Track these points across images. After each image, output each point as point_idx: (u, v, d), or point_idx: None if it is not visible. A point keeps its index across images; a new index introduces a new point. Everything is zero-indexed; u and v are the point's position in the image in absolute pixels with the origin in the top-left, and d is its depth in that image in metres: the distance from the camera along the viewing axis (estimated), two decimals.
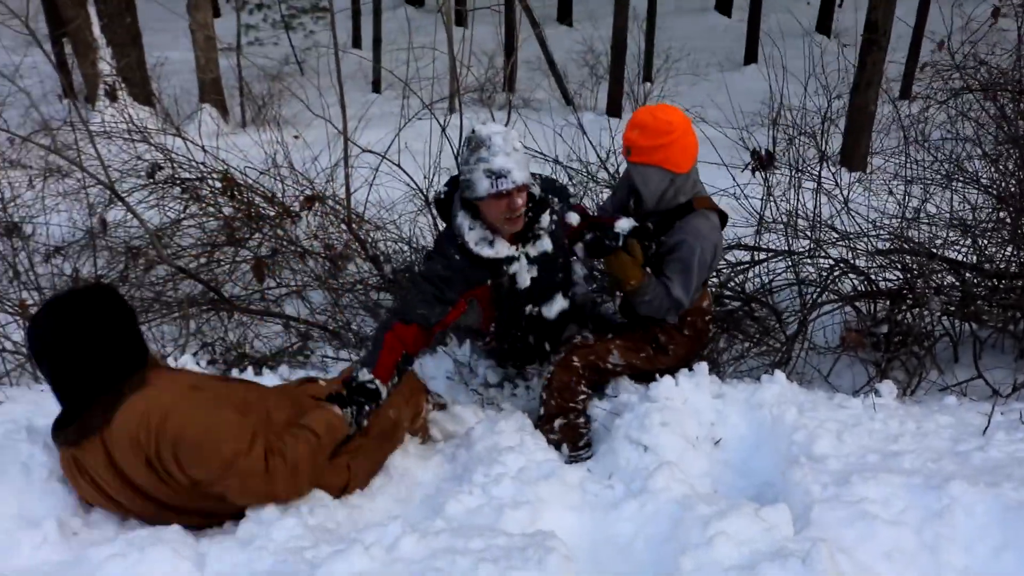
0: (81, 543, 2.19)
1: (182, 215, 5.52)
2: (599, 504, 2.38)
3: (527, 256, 3.10)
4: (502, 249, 3.00)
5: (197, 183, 5.54)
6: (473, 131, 2.88)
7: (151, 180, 5.62)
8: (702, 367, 3.25)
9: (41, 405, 3.04)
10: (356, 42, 18.50)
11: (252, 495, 2.28)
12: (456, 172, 3.03)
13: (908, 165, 5.06)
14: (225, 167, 5.42)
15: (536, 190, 3.09)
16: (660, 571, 1.98)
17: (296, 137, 6.60)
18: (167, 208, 5.59)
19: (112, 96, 9.82)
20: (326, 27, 16.23)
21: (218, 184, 5.44)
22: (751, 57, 16.96)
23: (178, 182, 5.58)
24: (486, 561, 1.89)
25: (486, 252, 2.98)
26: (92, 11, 10.03)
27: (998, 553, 1.98)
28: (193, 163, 5.53)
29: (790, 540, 1.94)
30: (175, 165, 5.59)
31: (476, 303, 3.12)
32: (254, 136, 6.20)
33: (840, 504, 2.15)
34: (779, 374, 3.21)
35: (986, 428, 2.85)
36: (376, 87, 15.17)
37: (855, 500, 2.16)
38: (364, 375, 2.80)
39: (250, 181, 5.41)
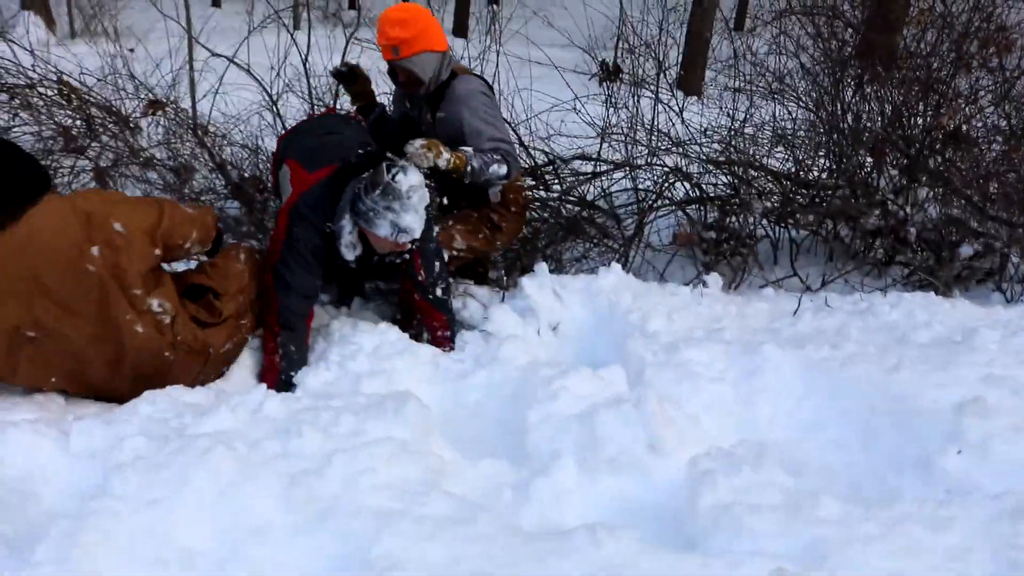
0: None
1: (11, 124, 5.24)
2: (451, 375, 2.57)
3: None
4: (358, 253, 3.03)
5: (28, 90, 5.26)
6: (394, 177, 2.84)
7: None
8: (542, 267, 3.48)
9: None
10: None
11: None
12: (367, 147, 3.07)
13: (736, 79, 5.43)
14: (59, 73, 5.17)
15: None
16: (509, 426, 2.18)
17: (131, 50, 6.32)
18: None
19: None
20: None
21: (50, 92, 5.20)
22: None
23: (5, 88, 5.28)
24: (346, 413, 2.03)
25: (348, 256, 3.00)
26: None
27: (800, 402, 2.29)
28: (21, 69, 5.25)
29: (625, 393, 2.18)
30: (1, 71, 5.28)
31: None
32: (86, 46, 5.91)
33: (669, 367, 2.41)
34: (615, 266, 3.47)
35: (796, 310, 3.21)
36: (216, 1, 14.50)
37: (682, 362, 2.42)
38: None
39: (85, 89, 5.19)
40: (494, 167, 3.22)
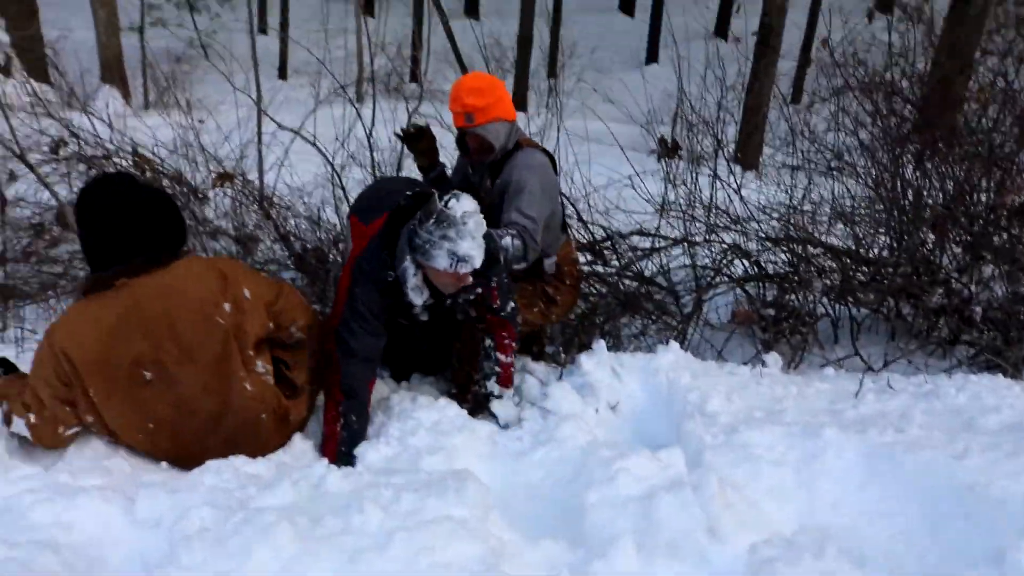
0: (8, 486, 2.22)
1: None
2: (509, 452, 2.57)
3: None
4: (426, 297, 2.98)
5: (104, 160, 5.49)
6: (446, 204, 2.78)
7: (55, 156, 5.55)
8: (600, 344, 3.49)
9: None
10: (262, 28, 18.24)
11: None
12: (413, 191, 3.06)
13: (794, 156, 5.45)
14: (134, 145, 5.39)
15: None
16: (568, 506, 2.18)
17: (201, 121, 6.57)
18: (73, 186, 5.52)
19: (6, 71, 9.49)
20: (231, 10, 15.99)
21: (125, 162, 5.41)
22: (652, 57, 17.45)
23: (84, 159, 5.52)
24: (407, 491, 2.05)
25: (416, 300, 2.94)
26: None
27: (863, 487, 2.24)
28: (99, 140, 5.48)
29: (684, 476, 2.16)
30: (80, 142, 5.52)
31: None
32: (160, 118, 6.17)
33: (729, 448, 2.38)
34: (674, 344, 3.46)
35: (858, 391, 3.15)
36: (282, 73, 15.04)
37: (742, 445, 2.39)
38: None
39: (159, 160, 5.40)
40: (507, 239, 3.20)
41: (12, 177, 5.29)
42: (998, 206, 4.19)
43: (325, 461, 2.44)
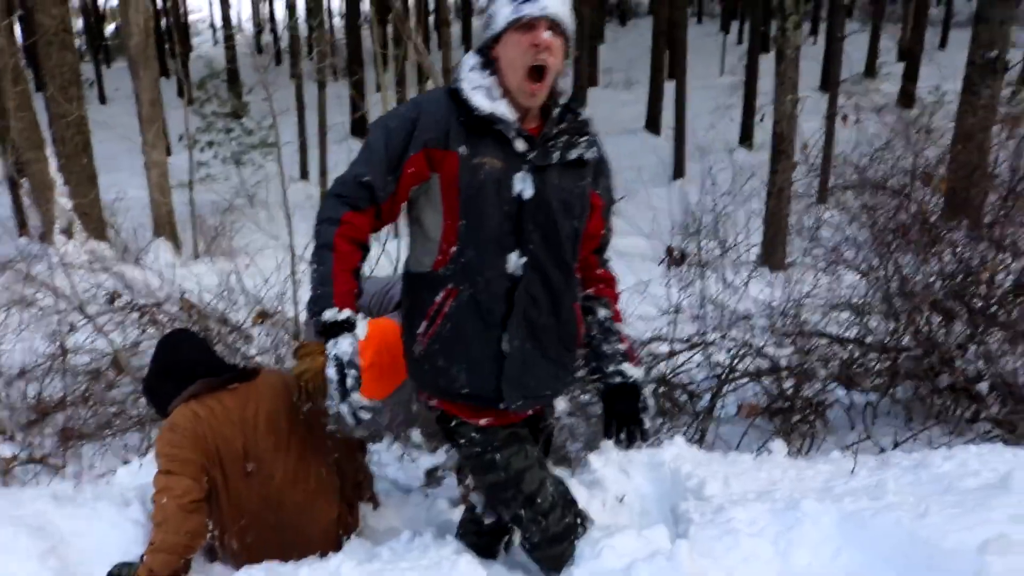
0: None
1: (140, 338, 5.91)
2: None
3: (531, 164, 2.38)
4: (502, 108, 2.34)
5: (155, 308, 5.95)
6: None
7: (111, 306, 6.03)
8: (607, 443, 3.69)
9: None
10: (304, 174, 19.25)
11: None
12: None
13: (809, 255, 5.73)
14: (181, 292, 5.87)
15: (583, 112, 2.52)
16: None
17: (247, 266, 7.08)
18: (127, 333, 5.98)
19: (68, 233, 10.24)
20: (275, 161, 16.96)
21: (174, 308, 5.87)
22: (679, 172, 17.98)
23: (136, 308, 5.99)
24: (412, 572, 2.28)
25: (478, 100, 2.32)
26: (50, 151, 10.57)
27: (838, 552, 2.41)
28: (150, 289, 5.97)
29: (664, 549, 2.35)
30: (133, 292, 6.02)
31: (435, 194, 2.39)
32: (208, 265, 6.69)
33: (713, 525, 2.57)
34: (678, 438, 3.66)
35: (853, 468, 3.31)
36: None
37: (725, 520, 2.57)
38: (329, 315, 2.31)
39: (204, 304, 5.86)
40: None
41: (72, 328, 5.77)
42: (976, 284, 4.36)
43: (341, 555, 2.66)
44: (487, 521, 2.68)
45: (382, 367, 2.61)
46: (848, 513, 2.50)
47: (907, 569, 2.22)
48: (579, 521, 2.58)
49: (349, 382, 2.27)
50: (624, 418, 2.68)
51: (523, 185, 2.35)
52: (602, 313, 2.70)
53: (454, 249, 2.37)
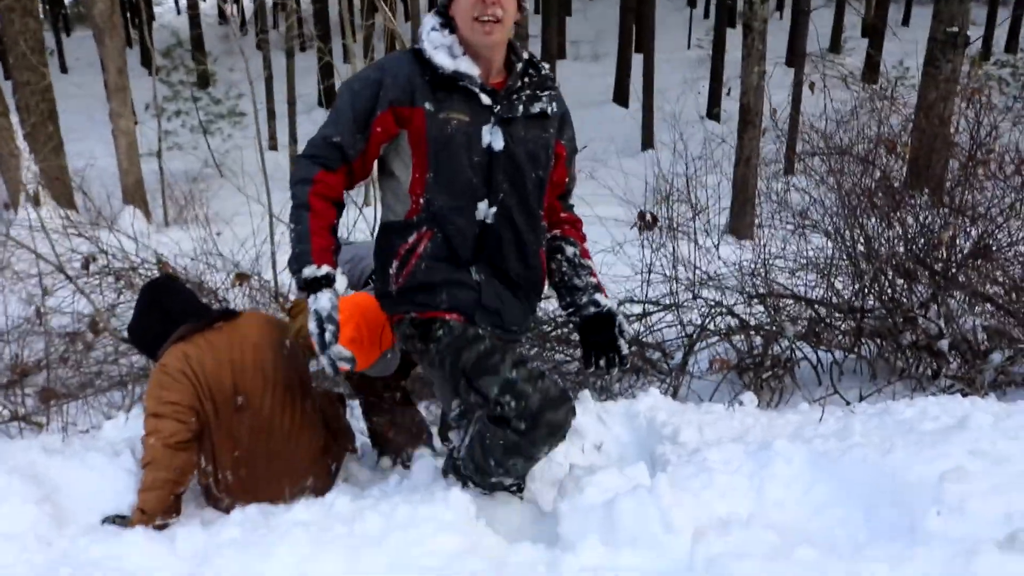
0: (62, 537, 2.58)
1: (117, 301, 5.92)
2: None
3: (497, 117, 2.49)
4: (464, 64, 2.44)
5: (131, 272, 5.96)
6: None
7: (86, 271, 6.03)
8: (585, 394, 3.81)
9: None
10: (272, 145, 19.13)
11: None
12: None
13: (776, 223, 5.88)
14: (158, 256, 5.88)
15: (544, 67, 2.63)
16: (544, 515, 2.51)
17: (219, 233, 7.09)
18: (105, 296, 5.99)
19: (35, 201, 10.15)
20: (242, 130, 16.85)
21: (151, 273, 5.89)
22: (648, 143, 18.11)
23: (112, 272, 6.00)
24: (403, 503, 2.41)
25: (441, 59, 2.42)
26: (15, 120, 10.45)
27: (810, 487, 2.55)
28: (126, 254, 5.97)
29: (643, 484, 2.48)
30: (109, 256, 6.02)
31: (404, 149, 2.50)
32: (182, 231, 6.70)
33: (690, 464, 2.70)
34: (653, 389, 3.79)
35: (821, 416, 3.46)
36: None
37: (701, 460, 2.70)
38: (308, 272, 2.41)
39: (181, 268, 5.87)
40: None
41: (46, 292, 5.77)
42: (937, 246, 4.52)
43: (335, 491, 2.77)
44: (457, 425, 2.72)
45: (362, 342, 2.70)
46: (818, 452, 2.64)
47: (873, 500, 2.36)
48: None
49: (327, 336, 2.35)
50: (601, 346, 2.74)
51: (492, 137, 2.47)
52: (570, 250, 2.82)
53: (424, 198, 2.48)
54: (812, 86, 10.15)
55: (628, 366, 2.82)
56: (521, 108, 2.52)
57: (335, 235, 2.51)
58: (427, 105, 2.42)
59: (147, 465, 2.87)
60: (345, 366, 2.39)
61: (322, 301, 2.38)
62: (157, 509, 2.81)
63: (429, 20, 2.50)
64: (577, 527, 2.33)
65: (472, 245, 2.53)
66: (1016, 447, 2.44)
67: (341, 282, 2.47)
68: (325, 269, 2.41)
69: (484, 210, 2.51)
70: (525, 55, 2.60)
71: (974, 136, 5.64)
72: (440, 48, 2.42)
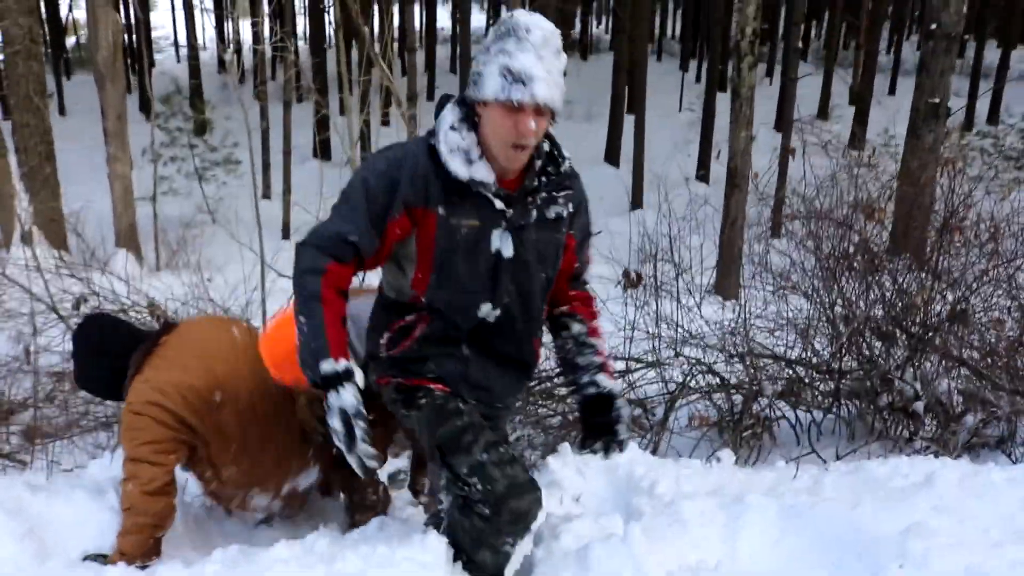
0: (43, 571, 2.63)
1: None
2: None
3: (509, 223, 2.43)
4: (480, 172, 2.34)
5: (122, 314, 6.03)
6: (511, 15, 2.24)
7: (76, 311, 6.10)
8: (565, 447, 3.87)
9: None
10: (266, 194, 19.31)
11: None
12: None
13: (753, 284, 6.03)
14: (149, 299, 5.96)
15: (566, 164, 2.54)
16: (519, 561, 2.56)
17: (210, 279, 7.18)
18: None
19: (28, 241, 10.23)
20: (237, 178, 17.02)
21: (141, 315, 5.96)
22: (637, 203, 18.36)
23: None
24: (382, 544, 2.46)
25: (456, 167, 2.31)
26: (12, 160, 10.59)
27: (780, 539, 2.61)
28: (117, 296, 6.05)
29: (618, 533, 2.55)
30: (100, 298, 6.09)
31: (411, 248, 2.44)
32: (173, 276, 6.79)
33: (664, 516, 2.76)
34: (632, 444, 3.85)
35: (795, 474, 3.53)
36: (285, 234, 15.92)
37: (675, 512, 2.77)
38: (327, 368, 2.30)
39: (172, 313, 5.95)
40: None
41: (35, 331, 5.82)
42: (913, 308, 4.64)
43: (316, 533, 2.81)
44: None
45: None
46: (789, 506, 2.71)
47: (840, 553, 2.43)
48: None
49: (358, 433, 2.28)
50: (599, 429, 2.76)
51: (501, 243, 2.40)
52: (576, 328, 2.79)
53: (426, 297, 2.45)
54: (793, 152, 10.42)
55: (623, 451, 2.80)
56: (535, 213, 2.45)
57: (346, 325, 2.43)
58: (440, 210, 2.34)
59: (127, 511, 2.91)
60: (374, 464, 2.34)
61: (347, 398, 2.29)
62: (137, 553, 2.85)
63: (448, 116, 2.36)
64: (550, 572, 2.40)
65: (466, 332, 2.52)
66: (980, 505, 2.52)
67: (359, 375, 2.36)
68: (344, 364, 2.31)
69: (487, 311, 2.49)
70: (546, 146, 2.50)
71: (947, 204, 5.82)
72: (456, 153, 2.31)
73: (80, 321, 3.37)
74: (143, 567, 2.82)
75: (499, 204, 2.37)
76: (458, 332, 2.50)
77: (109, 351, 3.10)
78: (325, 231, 2.36)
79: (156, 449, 2.91)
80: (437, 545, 2.42)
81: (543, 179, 2.47)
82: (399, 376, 2.57)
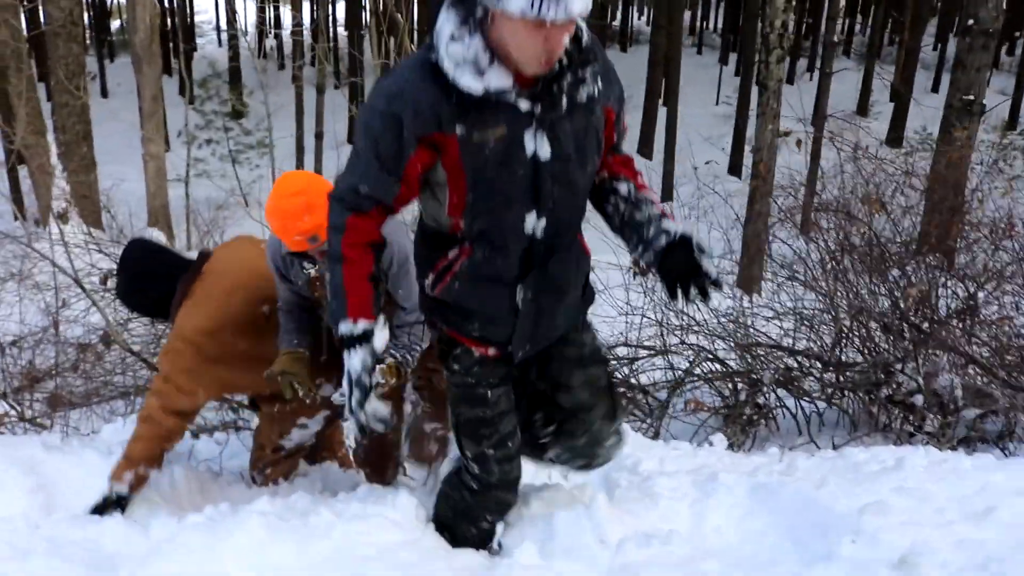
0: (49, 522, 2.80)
1: (131, 316, 6.18)
2: None
3: (539, 120, 2.15)
4: (495, 79, 2.05)
5: None
6: None
7: (104, 286, 6.31)
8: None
9: None
10: None
11: None
12: None
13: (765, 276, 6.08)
14: None
15: (584, 35, 2.16)
16: None
17: None
18: (117, 312, 6.24)
19: (64, 218, 10.52)
20: (271, 162, 17.29)
21: None
22: (667, 195, 18.34)
23: None
24: (355, 501, 2.60)
25: (467, 81, 2.03)
26: (51, 139, 10.89)
27: (747, 515, 2.70)
28: None
29: (583, 499, 2.66)
30: None
31: (441, 174, 2.22)
32: None
33: (637, 490, 2.86)
34: (624, 425, 3.94)
35: (780, 457, 3.60)
36: None
37: (649, 487, 2.87)
38: (344, 328, 2.25)
39: None
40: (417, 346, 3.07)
41: (64, 304, 6.05)
42: (906, 300, 4.67)
43: (297, 491, 2.95)
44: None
45: None
46: (759, 484, 2.80)
47: (802, 528, 2.51)
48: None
49: (354, 401, 2.25)
50: (685, 275, 2.30)
51: (537, 144, 2.16)
52: (623, 188, 2.44)
53: (465, 221, 2.25)
54: (799, 143, 10.36)
55: (723, 287, 2.32)
56: (566, 101, 2.15)
57: (374, 281, 2.30)
58: (459, 130, 2.09)
59: (142, 420, 3.06)
60: (379, 427, 2.29)
61: (354, 362, 2.23)
62: (141, 457, 3.00)
63: (446, 25, 2.05)
64: (517, 534, 2.51)
65: (519, 261, 2.30)
66: (941, 488, 2.59)
67: (380, 338, 2.28)
68: (362, 326, 2.24)
69: (532, 223, 2.25)
70: None
71: (967, 201, 5.83)
72: (463, 66, 2.02)
73: (129, 242, 3.52)
74: (143, 477, 3.01)
75: (524, 105, 2.11)
76: (509, 264, 2.30)
77: (155, 273, 3.23)
78: (343, 183, 2.26)
79: (191, 378, 3.02)
80: (407, 504, 2.55)
81: (565, 59, 2.13)
82: (442, 323, 2.46)
